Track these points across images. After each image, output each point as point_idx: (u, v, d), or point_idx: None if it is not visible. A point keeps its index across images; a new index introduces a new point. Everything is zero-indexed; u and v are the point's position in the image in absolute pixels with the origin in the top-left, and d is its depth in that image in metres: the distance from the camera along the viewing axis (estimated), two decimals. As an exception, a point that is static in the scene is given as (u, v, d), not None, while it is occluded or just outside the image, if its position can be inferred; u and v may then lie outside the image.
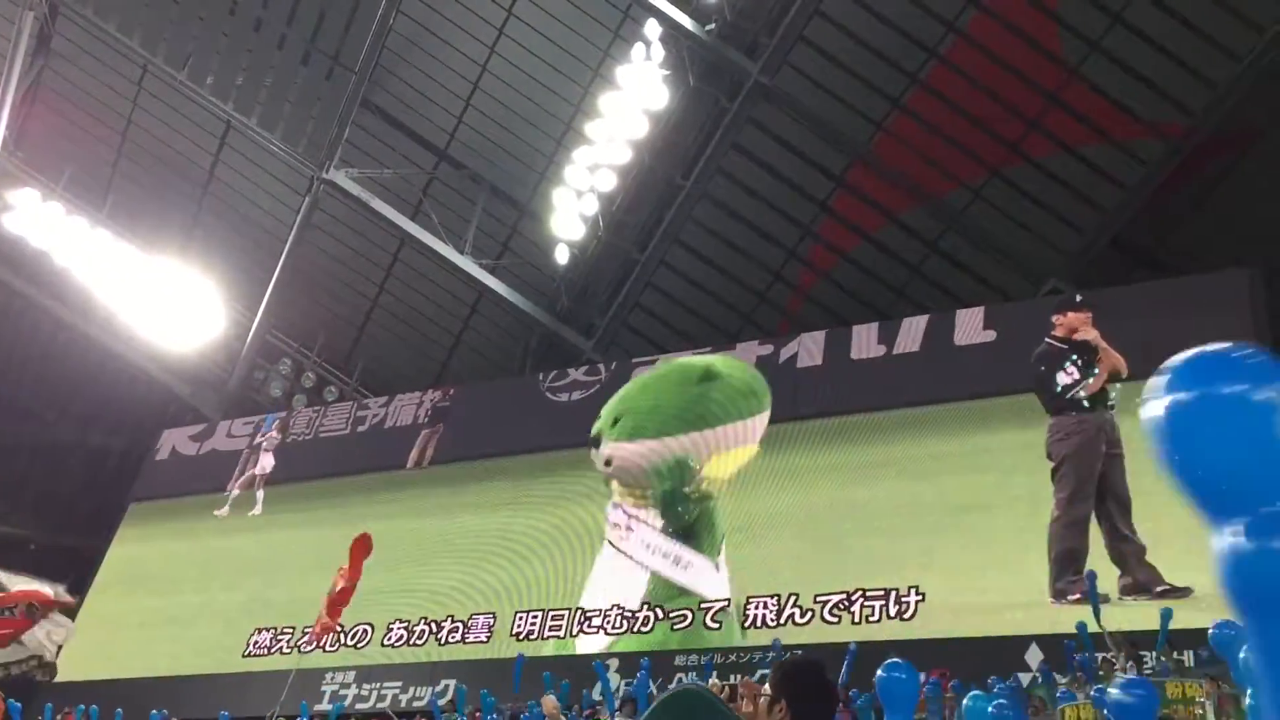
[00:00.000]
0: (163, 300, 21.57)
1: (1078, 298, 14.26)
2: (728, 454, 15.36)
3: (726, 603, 14.30)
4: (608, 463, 15.88)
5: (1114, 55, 15.31)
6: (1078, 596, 11.98)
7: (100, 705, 13.64)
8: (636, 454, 15.79)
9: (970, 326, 15.16)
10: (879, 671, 4.57)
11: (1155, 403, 1.55)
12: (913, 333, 15.56)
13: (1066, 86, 15.75)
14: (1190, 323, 13.33)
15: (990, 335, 14.92)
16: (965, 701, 4.70)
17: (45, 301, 22.75)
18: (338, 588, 12.48)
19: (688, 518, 15.10)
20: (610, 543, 15.52)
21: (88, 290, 22.08)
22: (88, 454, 24.03)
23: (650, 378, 16.90)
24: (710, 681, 11.26)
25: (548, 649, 14.97)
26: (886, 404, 15.16)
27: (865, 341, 15.88)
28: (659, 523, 15.23)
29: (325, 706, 13.98)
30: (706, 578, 14.60)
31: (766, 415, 15.62)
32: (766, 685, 3.74)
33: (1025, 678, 10.85)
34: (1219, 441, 1.49)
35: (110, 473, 23.14)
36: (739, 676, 11.43)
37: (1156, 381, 1.57)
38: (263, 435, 20.48)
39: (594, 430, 16.28)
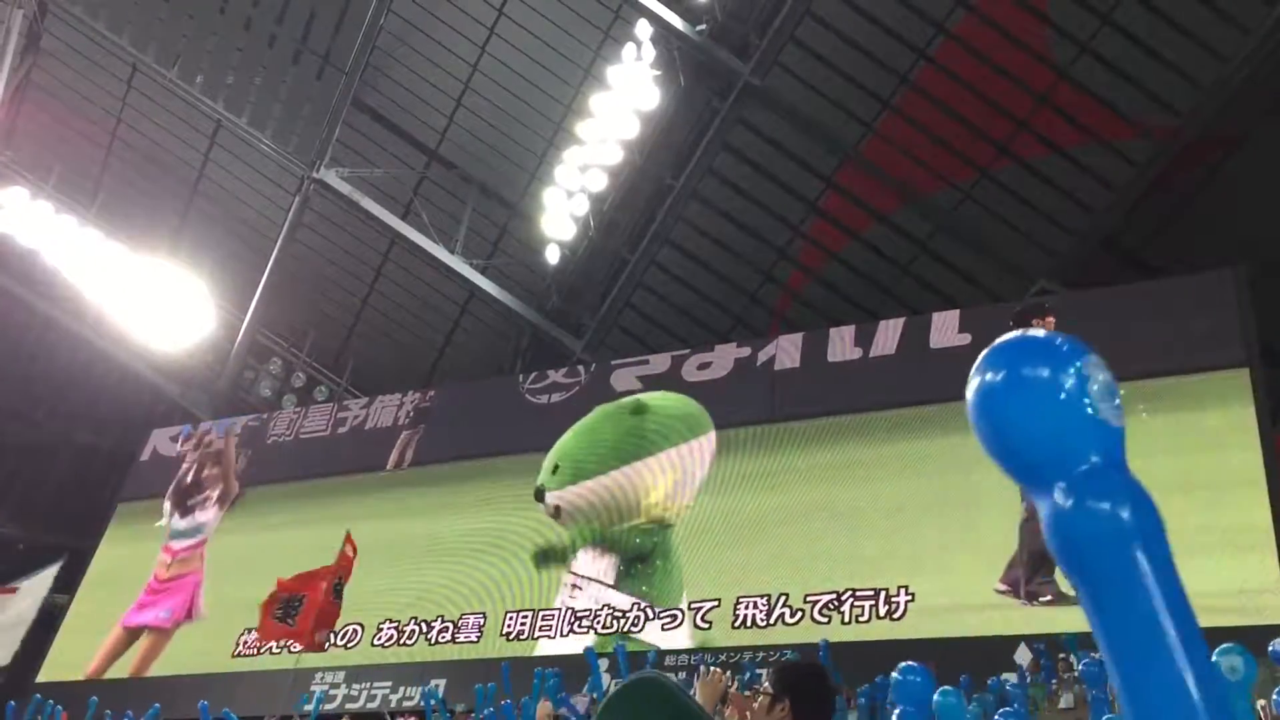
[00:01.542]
0: (152, 299, 21.52)
1: (1045, 303, 14.47)
2: (672, 478, 15.61)
3: (716, 603, 14.33)
4: (556, 512, 16.02)
5: (1103, 56, 15.36)
6: (1050, 598, 12.23)
7: (86, 706, 13.61)
8: (581, 496, 15.99)
9: (946, 330, 15.23)
10: (894, 674, 4.56)
11: (969, 385, 1.66)
12: (889, 336, 15.63)
13: (1056, 87, 15.81)
14: (1179, 323, 13.46)
15: (965, 339, 14.98)
16: (935, 697, 4.71)
17: (34, 300, 22.69)
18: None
19: (645, 547, 15.21)
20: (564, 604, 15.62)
21: (77, 289, 22.03)
22: (76, 453, 23.98)
23: (581, 425, 17.00)
24: (712, 670, 11.27)
25: (538, 649, 14.98)
26: (865, 406, 15.21)
27: (842, 344, 15.92)
28: (612, 573, 15.29)
29: (309, 707, 13.94)
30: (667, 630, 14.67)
31: (712, 436, 15.79)
32: (766, 684, 3.76)
33: (1013, 677, 10.90)
34: (1025, 416, 1.58)
35: (99, 472, 23.08)
36: (732, 677, 11.45)
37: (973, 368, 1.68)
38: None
39: (536, 485, 16.40)
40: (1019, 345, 1.66)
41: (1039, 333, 1.69)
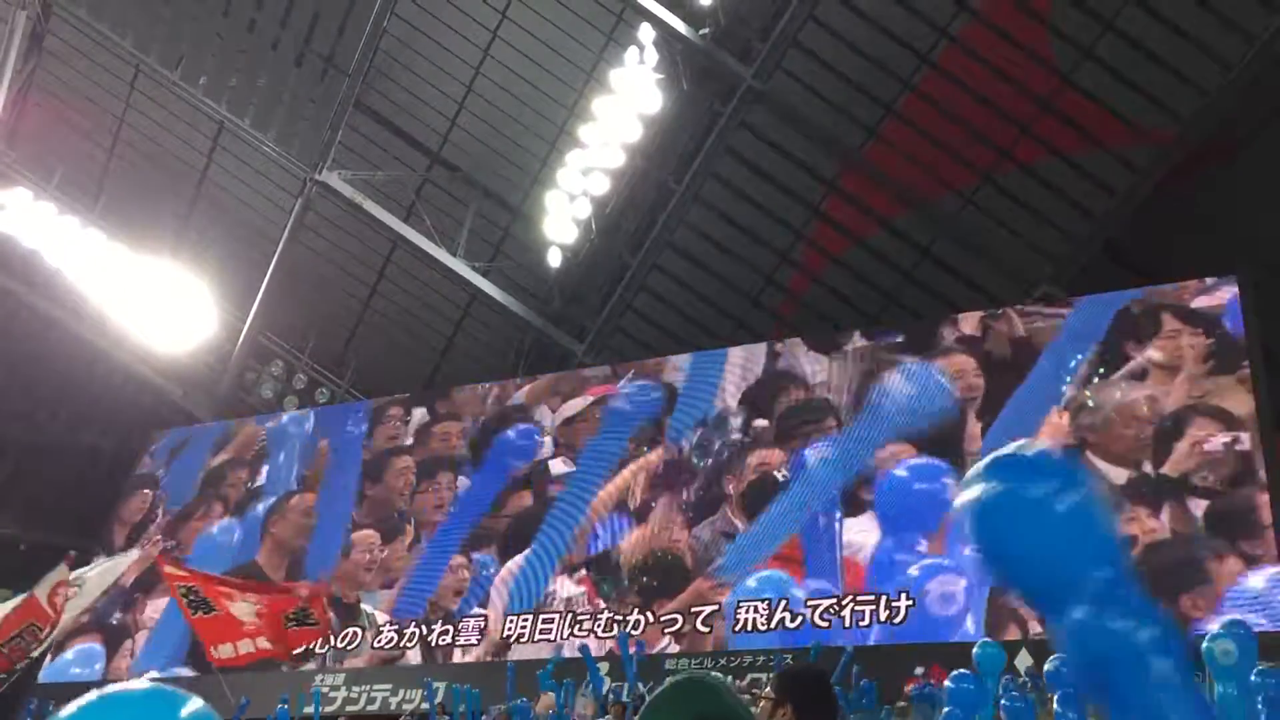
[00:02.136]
0: (154, 301, 21.52)
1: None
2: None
3: (718, 606, 14.32)
4: None
5: (1105, 62, 15.37)
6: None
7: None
8: None
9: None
10: (947, 682, 4.57)
11: (963, 497, 1.64)
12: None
13: (1058, 93, 15.81)
14: (1181, 327, 13.48)
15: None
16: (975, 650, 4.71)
17: (36, 301, 22.69)
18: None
19: None
20: None
21: (79, 290, 22.03)
22: (78, 455, 23.95)
23: None
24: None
25: (538, 651, 14.96)
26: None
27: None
28: None
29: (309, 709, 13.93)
30: None
31: None
32: (768, 689, 3.75)
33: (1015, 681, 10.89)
34: (1035, 538, 1.56)
35: (101, 474, 23.06)
36: (731, 681, 11.43)
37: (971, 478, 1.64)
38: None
39: None
40: (1016, 463, 1.63)
41: (1032, 447, 1.66)
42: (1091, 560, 1.54)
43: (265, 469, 19.78)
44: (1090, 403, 13.51)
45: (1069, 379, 13.83)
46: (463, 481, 17.64)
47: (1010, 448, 1.66)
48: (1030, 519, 1.56)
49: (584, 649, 12.08)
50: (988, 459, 1.65)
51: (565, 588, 15.60)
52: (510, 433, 17.79)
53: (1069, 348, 14.08)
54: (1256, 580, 11.57)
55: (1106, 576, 1.53)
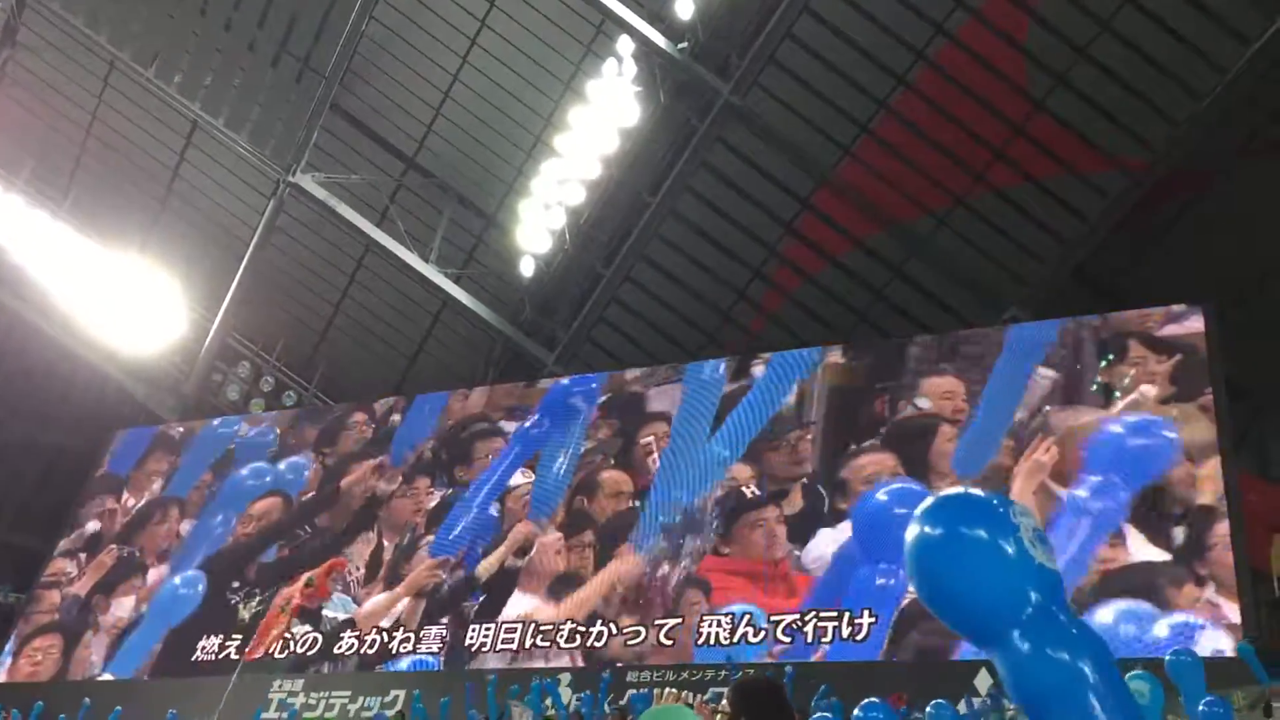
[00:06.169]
0: (122, 299, 21.32)
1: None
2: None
3: (679, 621, 14.30)
4: None
5: (1079, 89, 15.52)
6: None
7: (47, 708, 13.41)
8: None
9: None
10: (856, 711, 4.58)
11: (908, 536, 1.76)
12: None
13: (1032, 118, 15.95)
14: (1147, 355, 13.62)
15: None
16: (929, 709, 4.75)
17: (1, 296, 22.43)
18: (294, 602, 12.44)
19: None
20: None
21: (45, 286, 21.80)
22: (41, 453, 23.68)
23: None
24: (667, 692, 11.28)
25: (501, 662, 14.89)
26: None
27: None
28: None
29: (273, 715, 13.82)
30: None
31: None
32: (724, 702, 3.76)
33: (975, 703, 10.92)
34: (969, 572, 1.69)
35: (64, 473, 22.79)
36: (694, 695, 11.44)
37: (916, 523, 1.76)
38: None
39: None
40: (951, 504, 1.77)
41: (967, 492, 1.80)
42: (1025, 595, 1.65)
43: (230, 474, 19.56)
44: (1047, 427, 13.59)
45: (1023, 405, 13.91)
46: (437, 490, 17.54)
47: (947, 492, 1.80)
48: (966, 558, 1.67)
49: (550, 686, 12.00)
50: (927, 501, 1.77)
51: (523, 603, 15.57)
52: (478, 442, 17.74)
53: (1030, 371, 14.16)
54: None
55: (1039, 607, 1.63)
